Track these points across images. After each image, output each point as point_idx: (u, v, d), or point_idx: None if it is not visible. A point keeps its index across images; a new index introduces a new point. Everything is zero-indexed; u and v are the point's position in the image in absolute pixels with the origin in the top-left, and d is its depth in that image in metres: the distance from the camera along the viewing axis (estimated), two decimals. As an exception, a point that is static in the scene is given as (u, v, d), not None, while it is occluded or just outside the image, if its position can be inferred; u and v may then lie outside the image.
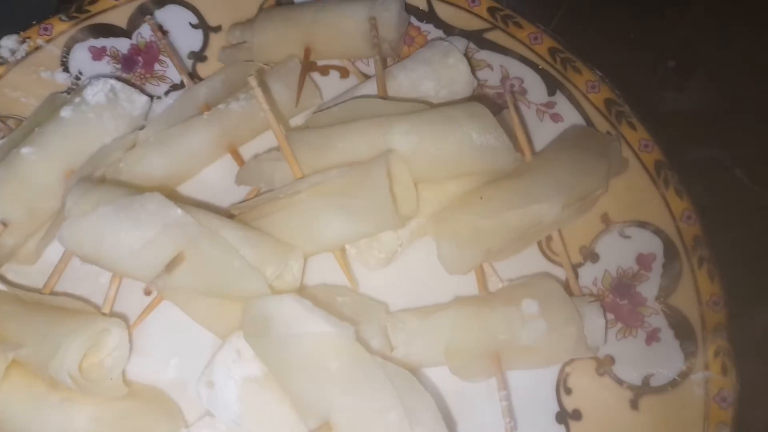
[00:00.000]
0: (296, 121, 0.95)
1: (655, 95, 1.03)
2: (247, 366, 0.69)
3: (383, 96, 0.85)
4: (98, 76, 0.93)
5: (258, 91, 0.79)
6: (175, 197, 0.76)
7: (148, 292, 0.65)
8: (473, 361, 0.74)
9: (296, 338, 0.66)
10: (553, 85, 0.94)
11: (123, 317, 0.80)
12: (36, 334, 0.70)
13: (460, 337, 0.74)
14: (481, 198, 0.78)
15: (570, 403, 0.78)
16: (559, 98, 0.93)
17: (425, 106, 0.83)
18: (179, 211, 0.73)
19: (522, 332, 0.73)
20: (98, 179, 0.83)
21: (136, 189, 0.78)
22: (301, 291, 0.76)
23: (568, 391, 0.79)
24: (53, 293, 0.81)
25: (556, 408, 0.78)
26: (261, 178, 0.84)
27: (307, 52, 0.94)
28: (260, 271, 0.71)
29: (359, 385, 0.64)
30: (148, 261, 0.72)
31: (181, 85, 0.99)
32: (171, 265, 0.69)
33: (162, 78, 1.00)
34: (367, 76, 0.98)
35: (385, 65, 0.91)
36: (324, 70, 1.00)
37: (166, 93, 0.99)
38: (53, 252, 0.86)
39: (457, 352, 0.74)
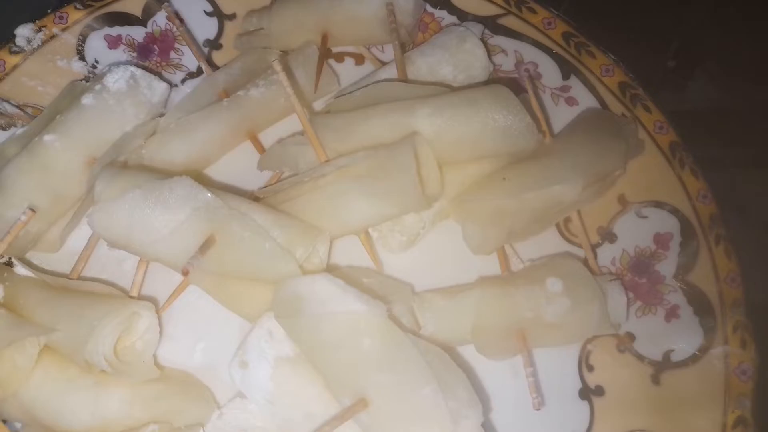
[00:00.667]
0: (315, 107, 0.95)
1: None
2: (279, 346, 0.70)
3: (404, 80, 0.86)
4: (118, 64, 0.93)
5: (282, 76, 0.80)
6: (202, 181, 0.77)
7: (185, 273, 0.66)
8: (499, 340, 0.76)
9: (329, 317, 0.67)
10: (567, 70, 0.95)
11: (151, 301, 0.80)
12: (68, 318, 0.71)
13: (487, 316, 0.75)
14: (504, 179, 0.79)
15: (592, 380, 0.80)
16: (574, 82, 0.94)
17: (446, 89, 0.84)
18: (209, 194, 0.74)
19: (547, 310, 0.75)
20: (121, 166, 0.84)
21: (164, 174, 0.78)
22: (330, 272, 0.77)
23: (590, 368, 0.80)
24: (81, 278, 0.81)
25: (579, 384, 0.80)
26: (285, 162, 0.85)
27: (325, 38, 0.95)
28: (290, 252, 0.72)
29: (393, 362, 0.66)
30: (178, 245, 0.73)
31: (197, 73, 0.99)
32: (204, 247, 0.70)
33: (178, 66, 1.00)
34: (382, 63, 0.99)
35: (404, 50, 0.92)
36: (339, 57, 1.01)
37: (183, 81, 0.99)
38: (76, 239, 0.87)
39: (483, 330, 0.75)
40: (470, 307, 0.75)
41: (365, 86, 0.86)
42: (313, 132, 0.81)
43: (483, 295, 0.76)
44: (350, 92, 0.87)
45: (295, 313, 0.69)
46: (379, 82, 0.87)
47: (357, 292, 0.68)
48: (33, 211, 0.78)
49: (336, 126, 0.81)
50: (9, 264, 0.81)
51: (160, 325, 0.79)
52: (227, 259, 0.73)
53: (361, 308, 0.67)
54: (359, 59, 1.01)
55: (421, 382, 0.65)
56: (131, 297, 0.79)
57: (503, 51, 0.98)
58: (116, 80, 0.89)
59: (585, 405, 0.79)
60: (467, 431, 0.64)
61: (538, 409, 0.73)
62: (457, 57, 0.91)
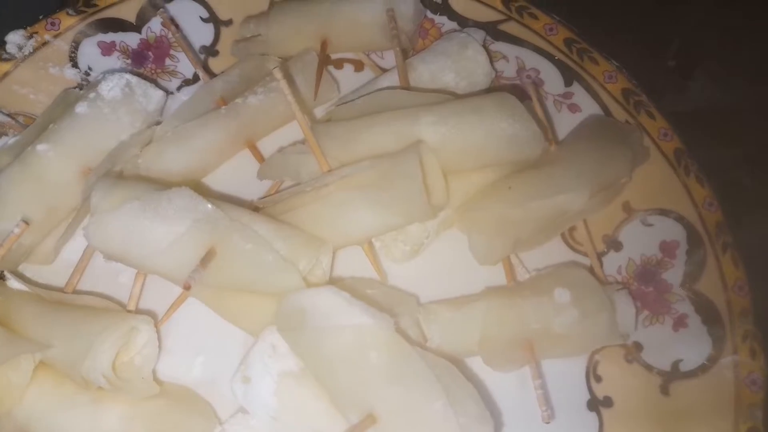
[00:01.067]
0: (314, 115, 0.94)
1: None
2: (283, 360, 0.68)
3: (406, 87, 0.85)
4: (113, 71, 0.91)
5: (283, 83, 0.79)
6: (201, 191, 0.75)
7: (187, 287, 0.64)
8: (506, 351, 0.74)
9: (334, 331, 0.66)
10: (569, 76, 0.94)
11: (149, 314, 0.78)
12: (64, 333, 0.69)
13: (494, 327, 0.74)
14: (510, 188, 0.78)
15: (600, 391, 0.79)
16: (576, 89, 0.93)
17: (450, 97, 0.83)
18: (209, 205, 0.72)
19: (555, 321, 0.73)
20: (117, 176, 0.82)
21: (161, 184, 0.76)
22: (333, 284, 0.75)
23: (598, 379, 0.79)
24: (76, 292, 0.79)
25: (587, 396, 0.79)
26: (286, 171, 0.83)
27: (324, 45, 0.93)
28: (293, 264, 0.70)
29: (401, 377, 0.64)
30: (177, 257, 0.71)
31: (194, 80, 0.98)
32: (205, 260, 0.68)
33: (173, 73, 0.98)
34: (382, 69, 0.97)
35: (405, 57, 0.91)
36: (338, 64, 0.99)
37: (178, 88, 0.97)
38: (70, 251, 0.84)
39: (490, 342, 0.74)
40: (477, 318, 0.74)
41: (367, 94, 0.85)
42: (314, 141, 0.79)
43: (489, 306, 0.74)
44: (351, 100, 0.85)
45: (299, 326, 0.67)
46: (381, 89, 0.85)
47: (363, 305, 0.66)
48: (27, 223, 0.76)
49: (338, 134, 0.80)
50: (1, 277, 0.79)
51: (159, 339, 0.77)
52: (228, 271, 0.71)
53: (368, 321, 0.65)
54: (359, 66, 0.99)
55: (430, 397, 0.63)
56: (128, 311, 0.76)
57: (504, 57, 0.97)
58: (111, 88, 0.87)
59: (593, 416, 0.78)
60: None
61: (548, 422, 0.71)
62: (459, 64, 0.90)
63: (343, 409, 0.66)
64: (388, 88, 0.86)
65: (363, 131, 0.79)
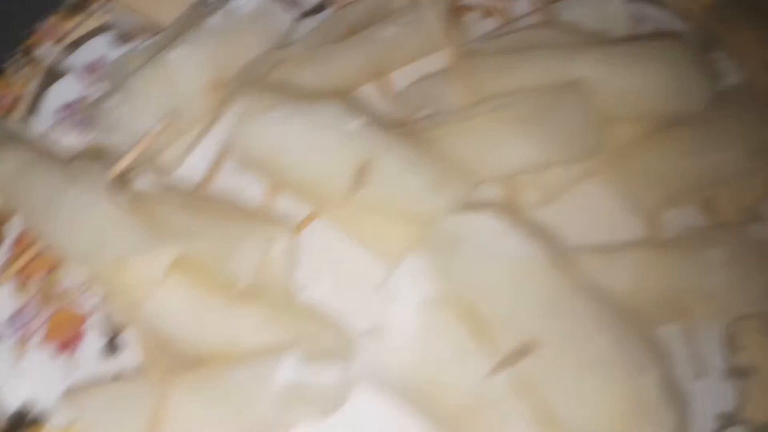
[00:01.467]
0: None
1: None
2: (425, 286, 0.65)
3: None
4: (241, -10, 0.89)
5: (432, 12, 0.76)
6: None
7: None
8: (655, 307, 0.70)
9: (490, 258, 0.62)
10: (711, 42, 0.90)
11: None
12: (207, 230, 0.66)
13: (644, 281, 0.70)
14: (664, 141, 0.74)
15: (740, 359, 0.75)
16: (718, 55, 0.90)
17: (604, 39, 0.79)
18: (360, 120, 0.69)
19: (707, 280, 0.69)
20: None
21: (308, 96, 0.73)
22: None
23: (738, 347, 0.75)
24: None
25: (724, 363, 0.75)
26: (426, 102, 0.80)
27: (456, -15, 0.90)
28: (443, 190, 0.67)
29: (564, 308, 0.60)
30: (323, 169, 0.69)
31: (312, 12, 0.95)
32: (358, 177, 0.65)
33: (293, 2, 0.96)
34: (512, 18, 0.94)
35: (549, 2, 0.87)
36: (465, 9, 0.96)
37: (299, 18, 0.95)
38: (191, 164, 0.82)
39: (640, 295, 0.70)
40: (627, 268, 0.70)
41: (513, 31, 0.81)
42: (462, 70, 0.76)
43: (641, 258, 0.70)
44: (495, 36, 0.82)
45: (451, 251, 0.64)
46: (529, 26, 0.82)
47: (524, 233, 0.63)
48: (169, 120, 0.73)
49: (486, 68, 0.77)
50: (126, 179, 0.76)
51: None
52: (373, 191, 0.68)
53: (529, 249, 0.62)
54: (487, 12, 0.95)
55: (593, 329, 0.59)
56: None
57: (643, 18, 0.93)
58: (244, 4, 0.85)
59: (732, 385, 0.74)
60: (647, 385, 0.58)
61: (699, 378, 0.67)
62: (601, 16, 0.86)
63: (496, 338, 0.62)
64: (536, 24, 0.82)
65: (513, 66, 0.75)
